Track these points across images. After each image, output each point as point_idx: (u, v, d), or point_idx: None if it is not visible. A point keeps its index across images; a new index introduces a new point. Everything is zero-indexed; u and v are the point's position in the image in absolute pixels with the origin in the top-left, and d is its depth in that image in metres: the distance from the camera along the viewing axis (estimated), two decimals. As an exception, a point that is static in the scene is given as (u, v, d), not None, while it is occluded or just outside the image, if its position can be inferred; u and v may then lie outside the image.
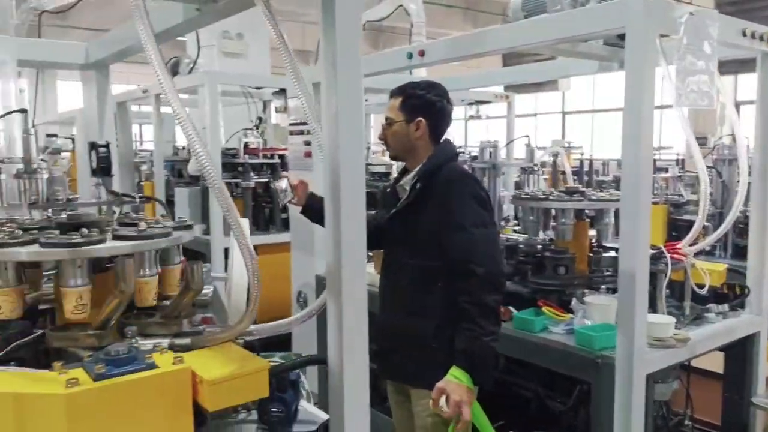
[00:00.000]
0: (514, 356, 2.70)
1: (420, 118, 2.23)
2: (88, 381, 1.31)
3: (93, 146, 2.48)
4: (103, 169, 2.43)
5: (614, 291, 2.84)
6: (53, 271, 1.74)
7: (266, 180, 5.35)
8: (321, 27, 1.44)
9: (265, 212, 5.35)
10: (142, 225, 1.71)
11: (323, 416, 1.78)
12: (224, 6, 1.83)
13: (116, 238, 1.61)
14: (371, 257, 3.14)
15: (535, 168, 4.15)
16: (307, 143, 3.82)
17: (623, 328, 2.25)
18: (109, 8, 11.23)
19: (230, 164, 5.10)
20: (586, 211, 3.00)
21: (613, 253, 2.93)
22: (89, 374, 1.34)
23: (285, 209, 5.47)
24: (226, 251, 3.81)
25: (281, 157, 5.48)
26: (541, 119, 17.31)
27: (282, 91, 5.14)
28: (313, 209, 2.41)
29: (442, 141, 2.29)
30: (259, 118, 5.84)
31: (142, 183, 6.09)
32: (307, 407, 1.84)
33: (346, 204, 1.47)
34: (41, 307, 1.71)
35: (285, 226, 5.38)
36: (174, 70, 5.42)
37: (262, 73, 7.10)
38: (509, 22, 2.76)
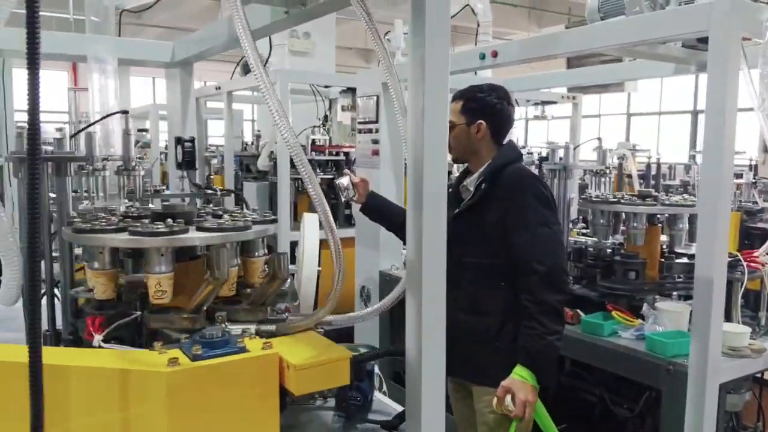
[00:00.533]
0: (580, 360, 2.69)
1: (480, 121, 2.27)
2: (186, 361, 1.40)
3: (179, 141, 2.61)
4: (188, 163, 2.55)
5: (686, 298, 2.80)
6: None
7: (331, 177, 5.46)
8: (411, 27, 1.48)
9: (329, 208, 5.46)
10: (225, 218, 1.81)
11: (396, 407, 1.84)
12: (312, 8, 1.90)
13: (199, 229, 1.71)
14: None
15: (607, 171, 4.09)
16: (375, 141, 3.89)
17: (697, 335, 2.22)
18: (179, 8, 11.67)
19: (297, 160, 5.22)
20: (658, 215, 2.95)
21: (685, 260, 2.87)
22: (186, 355, 1.43)
23: (348, 206, 5.58)
24: (292, 245, 3.94)
25: (346, 154, 5.58)
26: (605, 120, 16.90)
27: (349, 90, 5.23)
28: (373, 207, 2.47)
29: (505, 143, 2.32)
30: (325, 116, 5.96)
31: (211, 176, 6.30)
32: (380, 398, 1.90)
33: (428, 201, 1.51)
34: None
35: (348, 222, 5.49)
36: (246, 69, 5.59)
37: (327, 71, 7.25)
38: (575, 23, 2.74)
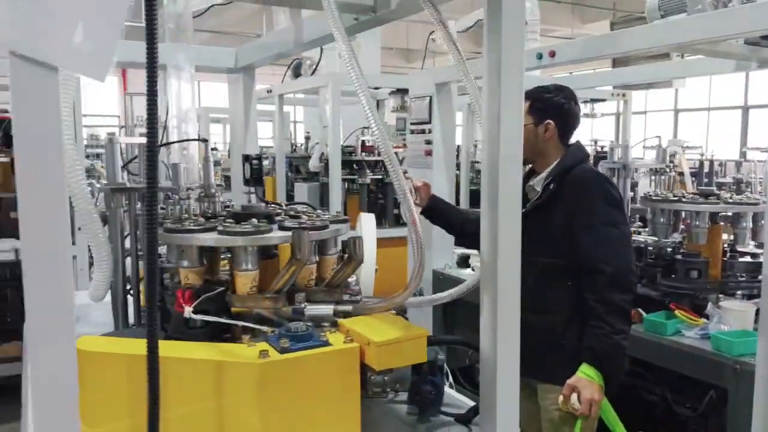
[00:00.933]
0: (643, 359, 2.69)
1: (549, 121, 2.29)
2: (275, 353, 1.48)
3: (246, 158, 2.71)
4: (255, 180, 2.64)
5: (749, 297, 2.77)
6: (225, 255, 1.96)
7: (380, 177, 5.54)
8: (486, 29, 1.53)
9: (378, 208, 5.55)
10: (304, 218, 1.89)
11: (465, 400, 1.88)
12: (382, 15, 1.96)
13: (282, 228, 1.80)
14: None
15: (667, 169, 4.05)
16: (428, 142, 3.93)
17: (765, 334, 2.20)
18: (225, 14, 11.93)
19: (347, 161, 5.33)
20: (720, 214, 2.93)
21: (748, 259, 2.84)
22: (274, 347, 1.51)
23: (397, 206, 5.65)
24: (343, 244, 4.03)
25: (396, 154, 5.64)
26: (651, 117, 16.56)
27: (398, 91, 5.29)
28: (435, 210, 2.50)
29: (572, 143, 2.34)
30: (373, 117, 6.03)
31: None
32: (449, 391, 1.94)
33: (503, 200, 1.55)
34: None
35: (397, 221, 5.56)
36: (296, 72, 5.71)
37: (373, 72, 7.32)
38: (621, 18, 2.73)
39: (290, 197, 5.63)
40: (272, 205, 2.84)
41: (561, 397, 2.08)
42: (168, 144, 2.16)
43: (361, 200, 5.36)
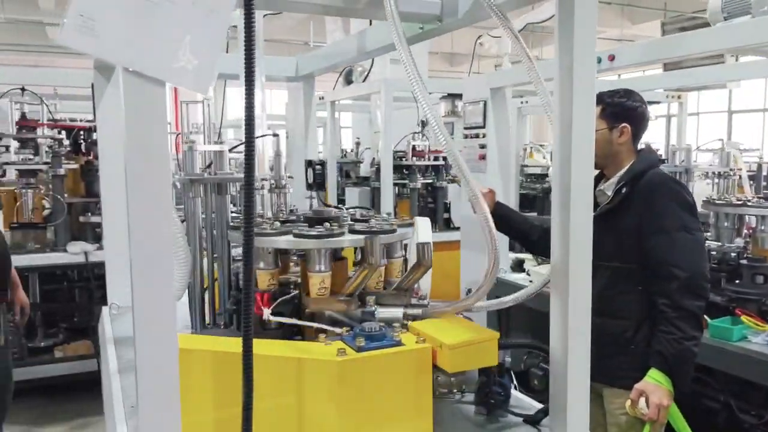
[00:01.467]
0: (707, 365, 2.65)
1: (624, 124, 2.29)
2: (352, 352, 1.54)
3: (310, 164, 2.80)
4: (318, 185, 2.73)
5: (819, 303, 2.70)
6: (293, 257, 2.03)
7: (430, 181, 5.58)
8: (557, 33, 1.55)
9: (428, 212, 5.59)
10: (373, 222, 1.95)
11: (532, 403, 1.90)
12: (447, 24, 2.00)
13: (352, 232, 1.86)
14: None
15: (731, 173, 3.97)
16: (482, 146, 3.95)
17: (838, 341, 2.16)
18: (275, 22, 12.18)
19: (398, 166, 5.38)
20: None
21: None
22: (350, 346, 1.56)
23: (447, 209, 5.68)
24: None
25: (445, 159, 5.68)
26: (704, 119, 16.10)
27: (449, 96, 5.31)
28: (501, 218, 2.47)
29: (644, 147, 2.35)
30: (423, 122, 6.08)
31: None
32: (515, 393, 1.96)
33: (575, 204, 1.57)
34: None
35: (446, 225, 5.59)
36: (348, 79, 5.80)
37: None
38: (672, 19, 2.70)
39: (340, 202, 5.72)
40: (335, 209, 2.93)
41: (629, 402, 2.07)
42: (239, 145, 2.26)
43: (411, 204, 5.41)
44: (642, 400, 2.03)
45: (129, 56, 1.09)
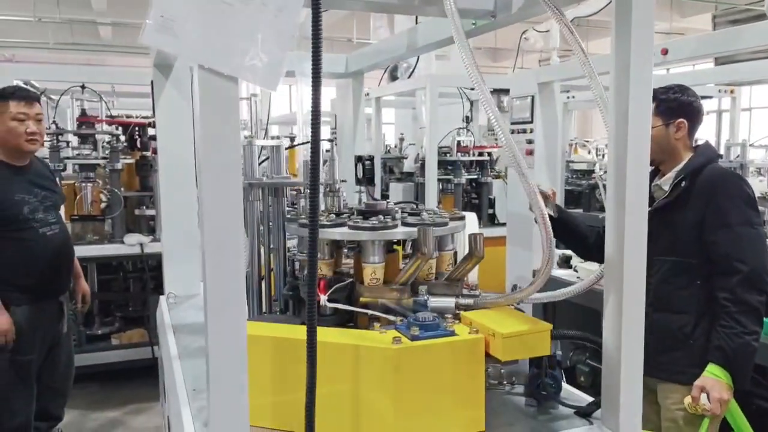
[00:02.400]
0: (761, 363, 2.60)
1: (680, 120, 2.30)
2: (407, 340, 1.58)
3: (359, 159, 2.85)
4: (368, 180, 2.78)
5: None
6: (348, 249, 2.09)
7: (475, 177, 5.59)
8: (615, 27, 1.55)
9: (472, 207, 5.60)
10: (425, 215, 1.99)
11: (582, 395, 1.92)
12: (501, 19, 2.02)
13: (404, 224, 1.90)
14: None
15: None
16: (530, 141, 3.95)
17: None
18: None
19: (442, 162, 5.41)
20: None
21: None
22: (405, 335, 1.61)
23: (492, 205, 5.67)
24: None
25: (489, 154, 5.67)
26: (756, 114, 15.59)
27: (495, 91, 5.30)
28: (560, 221, 2.42)
29: (701, 142, 2.35)
30: (467, 118, 6.08)
31: (358, 178, 6.63)
32: (565, 386, 1.98)
33: (630, 199, 1.57)
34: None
35: (491, 221, 5.58)
36: (393, 75, 5.84)
37: (464, 72, 7.34)
38: (723, 11, 2.64)
39: (384, 197, 5.78)
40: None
41: (689, 398, 2.08)
42: (299, 145, 2.32)
43: (456, 200, 5.43)
44: (704, 395, 2.04)
45: (204, 54, 1.15)
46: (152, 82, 2.96)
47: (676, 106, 2.30)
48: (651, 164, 2.42)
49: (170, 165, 2.94)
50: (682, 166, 2.29)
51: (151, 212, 4.74)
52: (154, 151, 4.73)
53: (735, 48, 2.71)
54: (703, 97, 6.02)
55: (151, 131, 4.90)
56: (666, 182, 2.32)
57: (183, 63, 2.76)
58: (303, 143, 2.34)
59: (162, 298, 3.01)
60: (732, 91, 5.69)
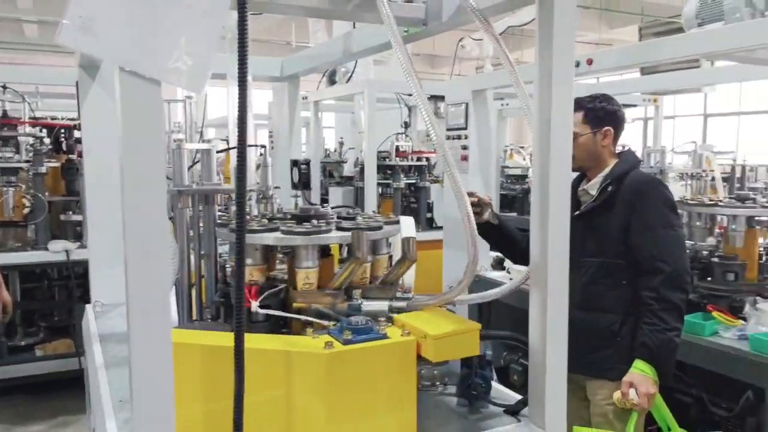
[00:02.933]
0: (680, 359, 2.73)
1: (607, 128, 2.39)
2: (339, 345, 1.58)
3: (295, 163, 2.83)
4: (304, 184, 2.76)
5: (786, 300, 2.81)
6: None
7: (414, 181, 5.64)
8: (537, 40, 1.61)
9: (411, 211, 5.65)
10: (359, 219, 2.00)
11: (512, 394, 1.97)
12: (432, 27, 2.05)
13: (339, 229, 1.90)
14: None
15: (703, 174, 4.09)
16: (464, 147, 4.02)
17: (804, 335, 2.25)
18: (254, 22, 12.17)
19: (381, 166, 5.43)
20: (757, 218, 2.97)
21: (786, 262, 2.88)
22: (337, 339, 1.61)
23: (430, 209, 5.74)
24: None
25: (427, 159, 5.75)
26: (679, 122, 16.40)
27: (432, 97, 5.38)
28: (495, 227, 2.44)
29: (625, 149, 2.47)
30: (406, 123, 6.14)
31: (296, 182, 6.58)
32: (495, 385, 2.02)
33: (553, 203, 1.63)
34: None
35: (429, 224, 5.65)
36: (331, 79, 5.84)
37: (402, 78, 7.42)
38: (649, 23, 2.78)
39: (324, 201, 5.76)
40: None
41: (618, 393, 2.17)
42: (227, 150, 2.29)
43: (395, 204, 5.47)
44: (632, 390, 2.13)
45: (126, 56, 1.12)
46: (77, 83, 2.86)
47: (603, 114, 2.40)
48: (578, 170, 2.51)
49: (97, 168, 2.85)
50: (607, 171, 2.38)
51: (77, 218, 4.56)
52: (81, 155, 4.56)
53: (656, 59, 2.85)
54: (628, 106, 6.33)
55: (77, 134, 4.72)
56: (593, 187, 2.41)
57: (110, 64, 2.68)
58: (229, 149, 2.30)
59: (88, 306, 2.90)
60: (655, 100, 5.97)
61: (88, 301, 2.97)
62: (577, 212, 2.40)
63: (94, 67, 2.77)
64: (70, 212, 4.62)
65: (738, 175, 5.91)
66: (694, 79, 4.68)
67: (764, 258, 2.97)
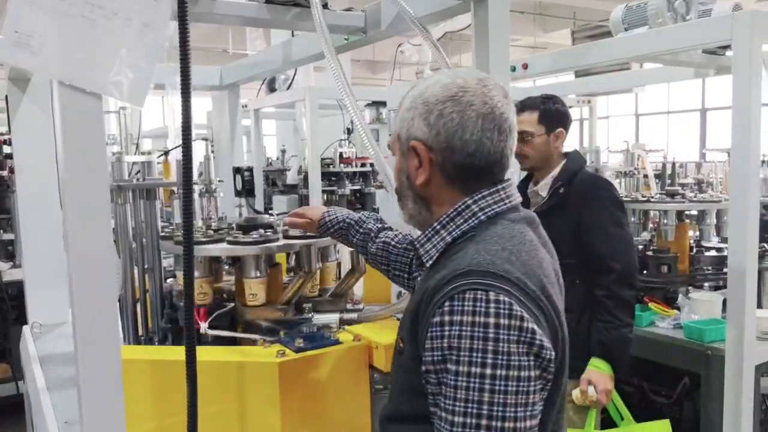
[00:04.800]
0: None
1: (561, 129, 2.40)
2: (291, 353, 1.59)
3: (238, 170, 2.79)
4: (248, 191, 2.73)
5: (716, 288, 2.97)
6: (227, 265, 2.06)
7: (359, 188, 5.66)
8: (474, 46, 1.67)
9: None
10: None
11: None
12: (372, 35, 2.09)
13: (286, 238, 1.90)
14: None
15: (636, 172, 4.27)
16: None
17: (733, 321, 2.38)
18: (194, 28, 11.93)
19: (326, 173, 5.42)
20: (686, 212, 3.13)
21: (714, 253, 3.05)
22: (289, 348, 1.61)
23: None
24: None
25: (372, 165, 5.77)
26: (613, 121, 17.04)
27: (374, 103, 5.42)
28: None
29: (572, 150, 2.49)
30: (349, 129, 6.15)
31: (240, 191, 6.49)
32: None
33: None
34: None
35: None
36: (271, 87, 5.79)
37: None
38: (581, 27, 2.91)
39: (268, 210, 5.70)
40: (264, 214, 2.94)
41: (577, 391, 2.20)
42: (170, 151, 2.26)
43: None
44: (591, 388, 2.17)
45: (66, 71, 1.10)
46: (6, 97, 2.76)
47: (559, 116, 2.41)
48: (529, 170, 2.52)
49: (30, 185, 2.75)
50: (557, 172, 2.40)
51: (9, 236, 4.37)
52: (11, 171, 4.37)
53: (588, 62, 2.97)
54: (564, 107, 6.54)
55: (6, 149, 4.53)
56: (543, 188, 2.43)
57: (47, 78, 2.59)
58: (174, 148, 2.26)
59: (26, 328, 2.79)
60: (589, 101, 6.19)
61: (24, 323, 2.85)
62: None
63: (25, 80, 2.68)
64: (1, 231, 4.43)
65: (669, 171, 6.19)
66: (625, 81, 4.89)
67: (694, 250, 3.12)
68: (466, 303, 0.97)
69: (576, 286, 2.27)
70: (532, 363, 0.97)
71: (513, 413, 0.95)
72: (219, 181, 2.11)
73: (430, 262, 1.13)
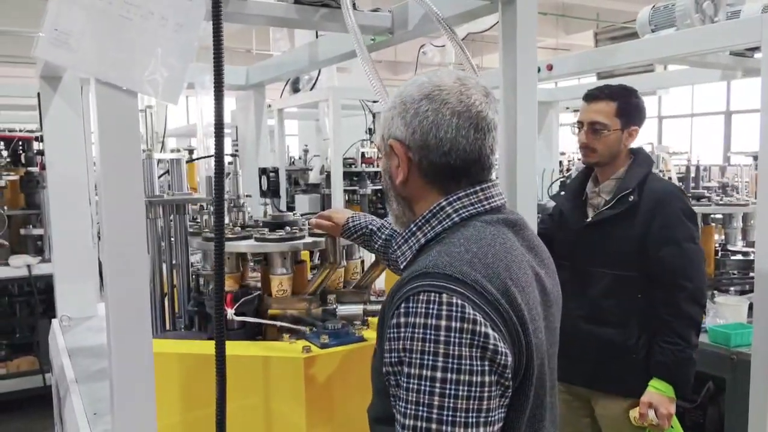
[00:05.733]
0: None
1: (635, 127, 2.20)
2: (316, 349, 1.61)
3: (263, 171, 2.82)
4: (273, 192, 2.75)
5: (742, 293, 2.93)
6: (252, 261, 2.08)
7: (380, 187, 5.68)
8: (501, 47, 1.67)
9: (379, 217, 5.68)
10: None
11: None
12: (399, 35, 2.10)
13: (312, 235, 1.93)
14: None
15: (661, 174, 4.23)
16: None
17: (760, 325, 2.35)
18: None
19: (348, 173, 5.46)
20: (712, 215, 3.10)
21: (740, 257, 3.01)
22: (314, 344, 1.63)
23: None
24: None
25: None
26: (635, 125, 16.85)
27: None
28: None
29: (638, 148, 2.29)
30: (370, 130, 6.18)
31: (263, 190, 6.56)
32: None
33: (522, 209, 1.68)
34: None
35: (396, 231, 5.68)
36: (295, 87, 5.84)
37: (365, 85, 7.47)
38: (604, 29, 2.88)
39: (290, 209, 5.75)
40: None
41: (635, 412, 2.09)
42: (200, 158, 2.29)
43: (362, 210, 5.50)
44: (651, 411, 2.06)
45: (103, 69, 1.13)
46: (39, 94, 2.82)
47: (637, 112, 2.21)
48: (594, 165, 2.27)
49: (61, 181, 2.80)
50: (623, 173, 2.21)
51: (38, 231, 4.46)
52: (42, 167, 4.46)
53: (613, 64, 2.95)
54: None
55: (37, 145, 4.63)
56: (606, 190, 2.24)
57: (73, 75, 2.65)
58: (205, 156, 2.30)
59: (54, 321, 2.85)
60: (613, 103, 6.13)
61: (52, 317, 2.92)
62: (592, 220, 2.24)
63: (57, 78, 2.74)
64: (31, 226, 4.52)
65: (693, 174, 6.12)
66: (649, 83, 4.84)
67: (719, 254, 3.09)
68: (419, 305, 0.96)
69: (637, 301, 2.15)
70: (486, 368, 0.94)
71: (463, 418, 0.92)
72: (247, 195, 2.14)
73: (405, 263, 1.13)
